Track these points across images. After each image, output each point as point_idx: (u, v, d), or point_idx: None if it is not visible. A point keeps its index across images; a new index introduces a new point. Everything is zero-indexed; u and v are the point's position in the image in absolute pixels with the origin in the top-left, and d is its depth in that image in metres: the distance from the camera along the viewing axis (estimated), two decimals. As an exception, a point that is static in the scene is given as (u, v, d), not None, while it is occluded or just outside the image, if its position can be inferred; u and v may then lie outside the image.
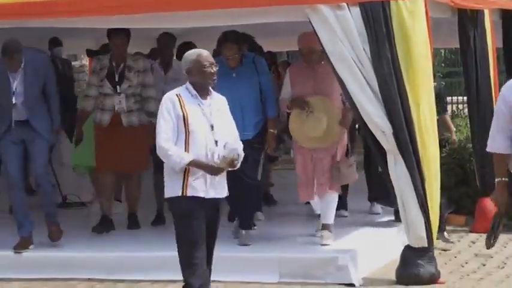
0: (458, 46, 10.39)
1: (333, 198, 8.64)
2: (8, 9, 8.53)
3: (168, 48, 9.88)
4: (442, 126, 8.88)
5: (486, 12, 10.00)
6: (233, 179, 7.13)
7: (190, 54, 6.30)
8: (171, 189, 6.17)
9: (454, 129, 9.06)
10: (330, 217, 8.58)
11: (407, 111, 7.94)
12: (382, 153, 8.14)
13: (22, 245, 8.51)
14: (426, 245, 8.07)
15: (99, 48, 11.10)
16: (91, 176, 10.85)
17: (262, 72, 8.80)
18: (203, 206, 6.14)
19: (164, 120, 6.07)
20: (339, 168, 8.56)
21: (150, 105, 9.11)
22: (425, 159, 8.02)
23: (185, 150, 6.11)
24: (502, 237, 8.70)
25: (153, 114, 8.54)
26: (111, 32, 9.06)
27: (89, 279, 8.41)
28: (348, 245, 8.48)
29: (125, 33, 9.11)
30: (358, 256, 8.23)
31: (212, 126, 6.11)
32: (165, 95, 6.29)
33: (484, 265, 8.46)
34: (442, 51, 20.92)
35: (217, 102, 6.31)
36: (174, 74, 9.43)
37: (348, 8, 7.82)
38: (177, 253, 6.57)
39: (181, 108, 6.07)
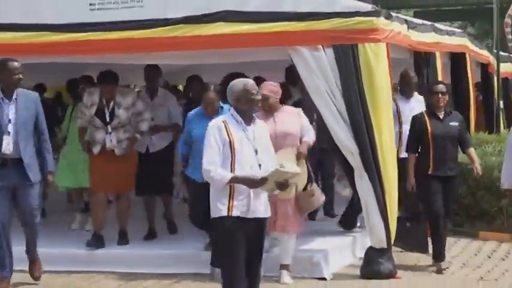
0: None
1: (291, 239, 7.85)
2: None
3: (155, 79, 9.36)
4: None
5: (437, 54, 10.17)
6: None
7: (237, 83, 5.82)
8: (217, 209, 5.66)
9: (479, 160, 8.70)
10: (287, 257, 7.86)
11: (371, 135, 7.96)
12: (350, 170, 8.08)
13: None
14: (385, 246, 8.05)
15: (80, 78, 10.52)
16: (68, 194, 10.74)
17: None
18: (247, 226, 5.62)
19: (210, 146, 5.61)
20: (298, 204, 7.82)
21: (143, 125, 8.69)
22: (385, 175, 8.00)
23: (231, 172, 5.66)
24: (449, 240, 8.89)
25: (144, 133, 8.64)
26: (102, 76, 8.58)
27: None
28: (321, 246, 8.47)
29: (115, 77, 8.63)
30: (329, 255, 8.25)
31: (256, 151, 5.67)
32: (211, 122, 5.80)
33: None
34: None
35: (260, 128, 5.85)
36: (159, 101, 9.21)
37: (323, 49, 7.87)
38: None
39: (228, 134, 5.61)
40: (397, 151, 8.80)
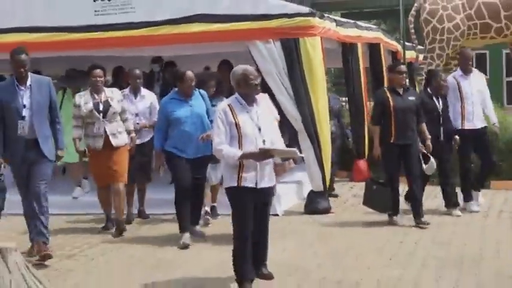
0: (342, 66, 10.55)
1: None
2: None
3: (138, 80, 8.15)
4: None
5: (359, 45, 10.31)
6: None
7: (238, 69, 5.41)
8: (228, 181, 5.33)
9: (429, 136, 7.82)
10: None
11: (309, 106, 8.16)
12: (295, 133, 8.24)
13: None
14: (322, 190, 8.38)
15: (67, 74, 9.70)
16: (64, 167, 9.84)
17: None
18: (255, 194, 5.29)
19: (218, 128, 5.23)
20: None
21: (129, 124, 7.69)
22: (321, 136, 8.24)
23: (239, 149, 5.26)
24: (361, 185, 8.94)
25: (131, 132, 7.71)
26: (93, 69, 7.49)
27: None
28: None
29: (103, 70, 7.59)
30: (281, 197, 8.34)
31: (260, 129, 5.27)
32: (219, 106, 5.43)
33: (359, 203, 8.35)
34: (332, 69, 21.30)
35: (262, 107, 5.43)
36: (142, 99, 8.16)
37: (273, 42, 8.06)
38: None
39: (233, 116, 5.24)
40: (461, 123, 8.29)
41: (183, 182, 7.03)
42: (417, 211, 7.68)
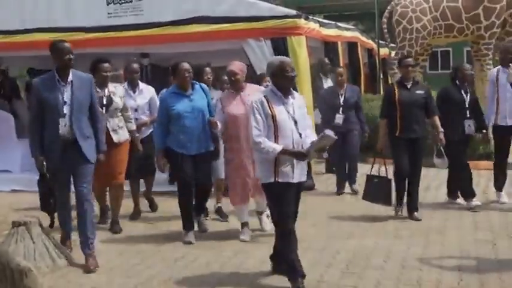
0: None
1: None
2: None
3: (136, 74, 7.05)
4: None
5: (339, 43, 10.33)
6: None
7: (275, 60, 4.69)
8: (265, 176, 4.56)
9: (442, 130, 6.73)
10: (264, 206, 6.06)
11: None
12: None
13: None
14: (308, 169, 8.41)
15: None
16: None
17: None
18: (291, 188, 4.55)
19: (256, 120, 4.48)
20: None
21: (131, 125, 6.60)
22: None
23: (274, 143, 4.49)
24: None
25: (134, 132, 6.63)
26: (98, 62, 6.33)
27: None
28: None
29: (110, 63, 6.44)
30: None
31: (296, 122, 4.50)
32: (255, 98, 4.59)
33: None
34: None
35: (298, 100, 4.65)
36: (140, 93, 7.08)
37: (264, 41, 7.94)
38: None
39: (270, 108, 4.49)
40: (495, 119, 7.12)
41: (185, 179, 5.96)
42: (412, 205, 6.73)
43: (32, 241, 5.25)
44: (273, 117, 4.48)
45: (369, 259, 5.34)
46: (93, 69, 6.27)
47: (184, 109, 5.97)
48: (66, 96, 5.19)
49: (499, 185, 7.35)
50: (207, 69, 7.14)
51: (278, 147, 4.46)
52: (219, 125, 5.83)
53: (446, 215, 6.85)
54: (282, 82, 4.57)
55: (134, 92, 7.09)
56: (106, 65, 6.35)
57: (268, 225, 6.03)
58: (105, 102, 6.31)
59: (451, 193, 7.46)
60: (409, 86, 6.73)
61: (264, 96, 4.57)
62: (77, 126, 5.21)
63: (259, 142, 4.49)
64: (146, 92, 7.14)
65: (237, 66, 5.97)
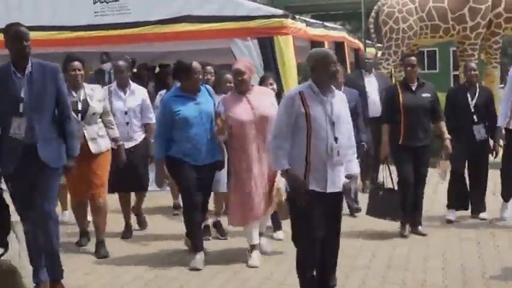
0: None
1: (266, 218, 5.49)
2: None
3: (127, 75, 6.22)
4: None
5: (326, 42, 9.90)
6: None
7: (318, 52, 4.09)
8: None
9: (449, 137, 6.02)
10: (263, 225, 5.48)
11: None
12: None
13: None
14: None
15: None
16: None
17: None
18: (323, 199, 3.88)
19: (279, 117, 3.93)
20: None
21: (114, 132, 5.71)
22: None
23: (306, 145, 3.86)
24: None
25: (117, 139, 5.76)
26: (69, 60, 5.52)
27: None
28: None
29: (82, 62, 5.57)
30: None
31: (333, 123, 3.90)
32: (287, 93, 4.09)
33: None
34: (303, 64, 21.69)
35: (338, 99, 4.02)
36: (131, 94, 6.28)
37: (251, 40, 7.95)
38: None
39: (304, 105, 3.88)
40: (509, 122, 6.33)
41: (192, 192, 5.12)
42: (416, 219, 6.05)
43: (17, 240, 5.18)
44: (307, 116, 3.88)
45: (355, 258, 5.33)
46: (63, 69, 5.35)
47: (192, 114, 5.13)
48: (23, 91, 4.26)
49: (506, 194, 6.53)
50: (209, 67, 6.53)
51: (285, 167, 3.88)
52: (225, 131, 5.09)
53: (431, 215, 6.82)
54: (323, 77, 3.95)
55: (125, 93, 6.25)
56: (76, 63, 5.48)
57: (257, 260, 5.11)
58: (80, 107, 5.42)
59: (470, 209, 6.65)
60: (414, 88, 5.95)
61: (299, 92, 3.94)
62: (36, 128, 4.28)
63: (273, 146, 3.94)
64: (138, 94, 6.31)
65: (244, 64, 5.22)
